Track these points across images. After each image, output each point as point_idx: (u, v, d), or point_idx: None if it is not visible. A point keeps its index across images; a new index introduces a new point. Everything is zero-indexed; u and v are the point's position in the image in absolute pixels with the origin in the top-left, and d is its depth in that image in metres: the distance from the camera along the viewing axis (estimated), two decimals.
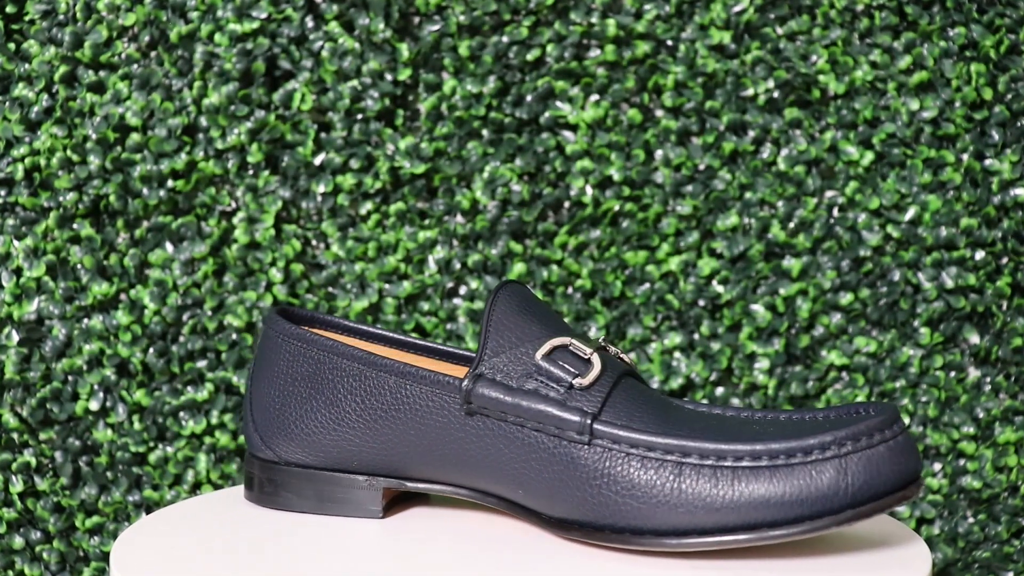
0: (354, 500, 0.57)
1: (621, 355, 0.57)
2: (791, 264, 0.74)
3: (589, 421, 0.53)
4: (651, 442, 0.53)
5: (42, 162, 0.70)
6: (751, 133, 0.74)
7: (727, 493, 0.52)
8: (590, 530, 0.53)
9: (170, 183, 0.72)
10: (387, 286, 0.74)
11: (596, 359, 0.55)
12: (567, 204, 0.74)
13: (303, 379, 0.57)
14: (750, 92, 0.73)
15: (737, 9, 0.73)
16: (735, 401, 0.75)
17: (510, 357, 0.55)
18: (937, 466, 0.74)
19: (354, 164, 0.73)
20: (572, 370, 0.54)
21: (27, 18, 0.71)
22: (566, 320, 0.72)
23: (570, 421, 0.53)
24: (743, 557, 0.54)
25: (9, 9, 0.71)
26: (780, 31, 0.73)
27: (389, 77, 0.73)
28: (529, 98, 0.74)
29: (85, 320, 0.71)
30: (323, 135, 0.73)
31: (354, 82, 0.72)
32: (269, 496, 0.58)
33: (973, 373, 0.74)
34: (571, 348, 0.55)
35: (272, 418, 0.58)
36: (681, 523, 0.52)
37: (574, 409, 0.54)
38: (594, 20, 0.73)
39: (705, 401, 0.58)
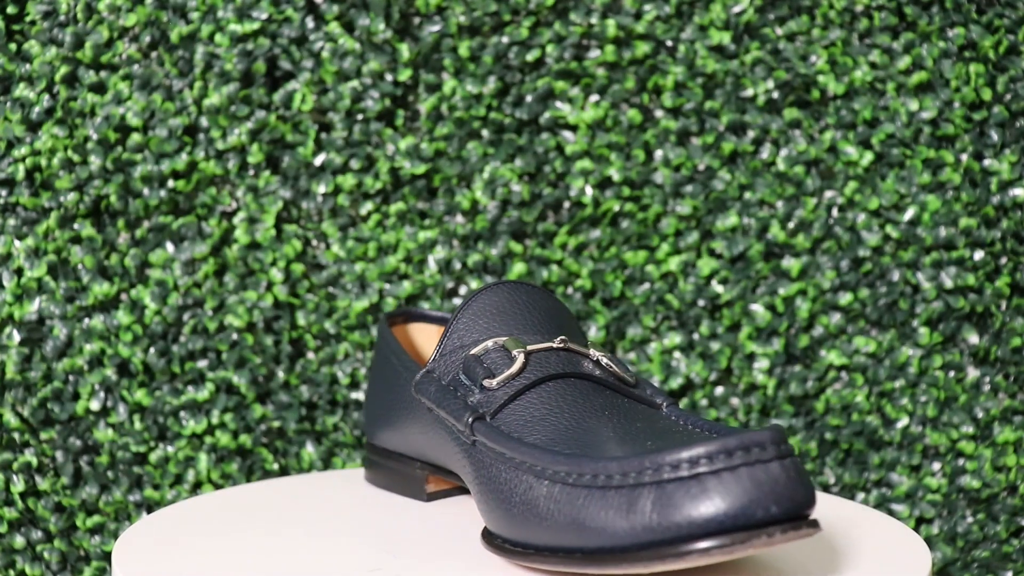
0: (411, 483, 0.61)
1: (600, 357, 0.54)
2: (790, 264, 0.74)
3: (471, 420, 0.52)
4: (515, 448, 0.50)
5: (43, 162, 0.70)
6: (751, 133, 0.74)
7: (560, 513, 0.47)
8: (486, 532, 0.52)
9: (171, 183, 0.72)
10: (387, 286, 0.74)
11: (519, 359, 0.53)
12: (567, 204, 0.75)
13: (386, 378, 0.62)
14: (750, 92, 0.73)
15: (737, 10, 0.73)
16: (735, 401, 0.75)
17: (455, 356, 0.55)
18: (936, 466, 0.74)
19: (354, 164, 0.73)
20: (492, 370, 0.54)
21: (28, 19, 0.71)
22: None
23: (462, 420, 0.52)
24: (739, 557, 0.54)
25: (10, 10, 0.71)
26: (779, 32, 0.73)
27: (389, 77, 0.73)
28: (529, 98, 0.74)
29: (86, 320, 0.72)
30: (323, 135, 0.73)
31: (354, 82, 0.72)
32: (368, 473, 0.64)
33: (972, 373, 0.74)
34: (504, 347, 0.54)
35: (370, 407, 0.63)
36: (532, 538, 0.49)
37: (471, 408, 0.53)
38: (594, 21, 0.73)
39: (667, 406, 0.54)
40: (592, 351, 0.54)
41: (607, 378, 0.54)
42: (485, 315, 0.56)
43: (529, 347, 0.54)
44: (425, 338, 0.67)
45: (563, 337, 0.54)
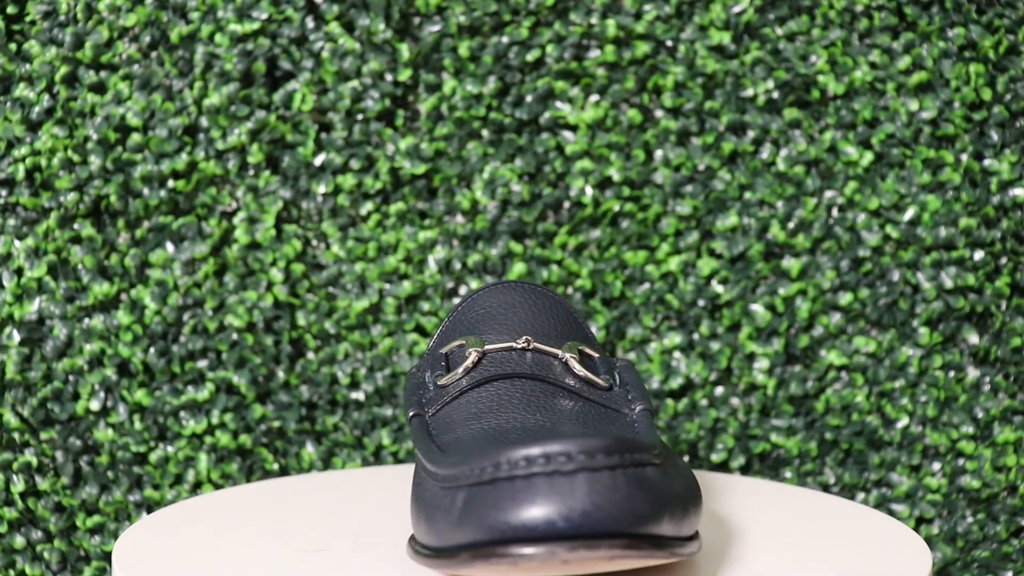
0: None
1: (570, 359, 0.53)
2: (790, 264, 0.74)
3: (411, 416, 0.52)
4: (423, 446, 0.49)
5: (43, 162, 0.70)
6: (751, 133, 0.74)
7: (435, 511, 0.46)
8: None
9: (171, 183, 0.72)
10: (387, 286, 0.74)
11: (470, 358, 0.53)
12: (567, 204, 0.75)
13: None
14: (750, 92, 0.73)
15: (737, 10, 0.73)
16: (735, 401, 0.75)
17: (433, 356, 0.55)
18: (936, 466, 0.74)
19: (354, 164, 0.73)
20: (449, 369, 0.53)
21: (28, 19, 0.71)
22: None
23: (407, 416, 0.52)
24: (738, 555, 0.54)
25: (10, 10, 0.71)
26: (779, 32, 0.73)
27: (389, 78, 0.73)
28: (529, 98, 0.74)
29: (86, 320, 0.72)
30: (323, 135, 0.73)
31: (354, 82, 0.72)
32: None
33: (972, 373, 0.74)
34: (464, 346, 0.54)
35: None
36: (425, 538, 0.47)
37: (416, 405, 0.53)
38: (594, 21, 0.73)
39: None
40: (564, 353, 0.53)
41: (567, 380, 0.53)
42: (473, 316, 0.56)
43: (487, 346, 0.53)
44: None
45: (527, 337, 0.53)
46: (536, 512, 0.41)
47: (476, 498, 0.43)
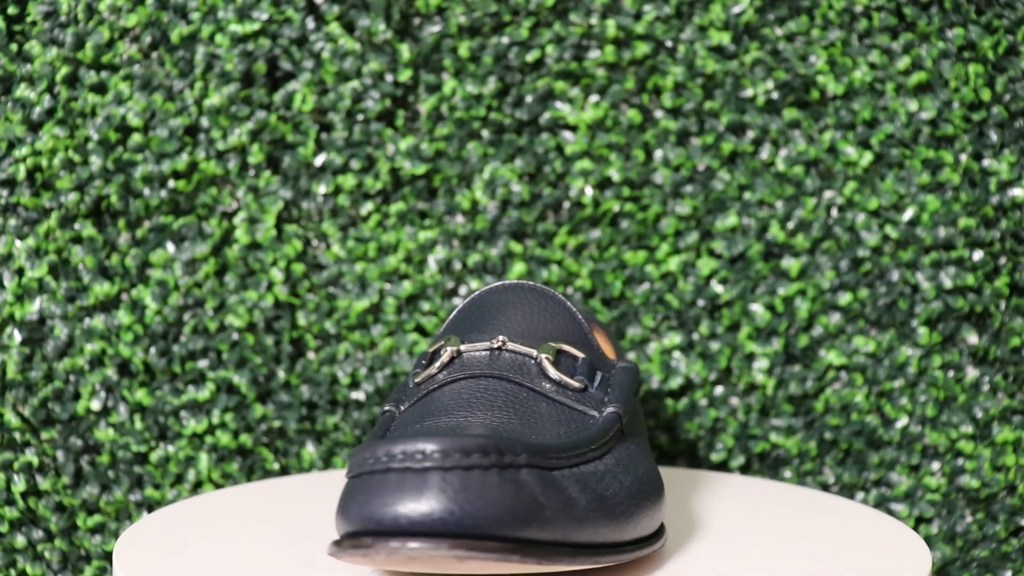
0: None
1: (544, 360, 0.53)
2: (790, 264, 0.74)
3: (383, 411, 0.53)
4: (372, 437, 0.50)
5: (44, 163, 0.71)
6: (750, 134, 0.74)
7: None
8: None
9: (171, 183, 0.72)
10: (388, 286, 0.74)
11: (443, 357, 0.54)
12: (567, 204, 0.75)
13: None
14: (749, 93, 0.73)
15: (736, 10, 0.73)
16: (734, 401, 0.75)
17: (422, 354, 0.56)
18: (936, 465, 0.74)
19: (355, 165, 0.73)
20: (428, 367, 0.54)
21: (29, 19, 0.71)
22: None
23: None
24: (738, 555, 0.54)
25: (11, 10, 0.71)
26: (779, 32, 0.73)
27: (389, 78, 0.73)
28: (529, 99, 0.74)
29: (87, 320, 0.72)
30: (324, 136, 0.73)
31: (355, 83, 0.72)
32: None
33: (971, 373, 0.74)
34: (444, 346, 0.54)
35: None
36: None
37: (396, 401, 0.53)
38: (594, 21, 0.73)
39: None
40: (540, 353, 0.54)
41: (537, 381, 0.53)
42: (467, 316, 0.57)
43: (463, 346, 0.54)
44: None
45: (503, 337, 0.54)
46: (385, 508, 0.41)
47: (348, 490, 0.44)
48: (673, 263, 0.74)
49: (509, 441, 0.44)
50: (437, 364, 0.53)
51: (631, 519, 0.48)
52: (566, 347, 0.54)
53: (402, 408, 0.53)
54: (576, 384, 0.53)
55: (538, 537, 0.43)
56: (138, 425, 0.72)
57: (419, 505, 0.41)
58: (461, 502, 0.41)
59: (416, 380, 0.54)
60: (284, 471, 0.74)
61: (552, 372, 0.53)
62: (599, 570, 0.51)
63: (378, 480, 0.42)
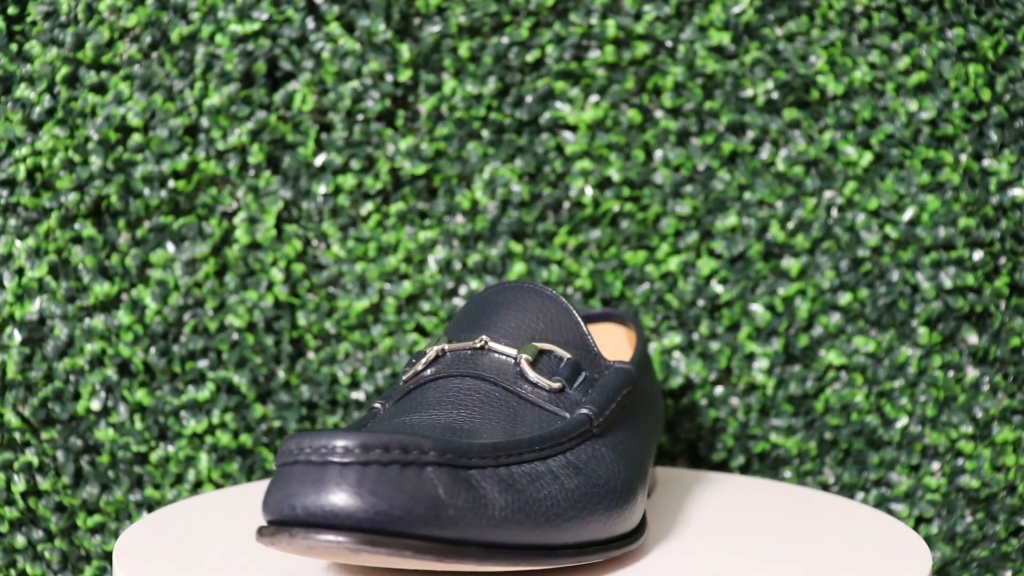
0: None
1: (523, 360, 0.54)
2: (790, 264, 0.74)
3: (372, 406, 0.54)
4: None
5: (44, 163, 0.71)
6: (750, 134, 0.74)
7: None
8: None
9: (171, 183, 0.72)
10: (388, 286, 0.74)
11: (427, 356, 0.55)
12: (567, 204, 0.75)
13: None
14: (749, 93, 0.73)
15: (736, 10, 0.73)
16: (734, 401, 0.75)
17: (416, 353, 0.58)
18: (936, 465, 0.74)
19: (355, 165, 0.73)
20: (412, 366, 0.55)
21: (29, 19, 0.71)
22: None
23: None
24: (738, 555, 0.54)
25: (11, 10, 0.71)
26: (779, 32, 0.73)
27: (389, 78, 0.73)
28: (529, 99, 0.74)
29: (87, 320, 0.72)
30: (324, 136, 0.73)
31: (355, 83, 0.73)
32: None
33: (971, 373, 0.74)
34: (432, 344, 0.56)
35: None
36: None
37: (386, 398, 0.54)
38: (594, 21, 0.73)
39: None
40: (520, 354, 0.54)
41: (513, 381, 0.53)
42: (463, 316, 0.57)
43: (447, 345, 0.55)
44: (614, 338, 0.68)
45: (484, 337, 0.55)
46: (289, 498, 0.43)
47: (271, 479, 0.45)
48: (673, 263, 0.74)
49: (416, 439, 0.44)
50: (423, 362, 0.55)
51: (571, 523, 0.49)
52: (550, 347, 0.55)
53: (387, 405, 0.54)
54: (553, 385, 0.53)
55: (439, 535, 0.44)
56: (138, 425, 0.72)
57: (318, 497, 0.42)
58: (356, 496, 0.42)
59: (404, 378, 0.55)
60: None
61: (528, 373, 0.53)
62: (590, 570, 0.51)
63: (287, 471, 0.43)
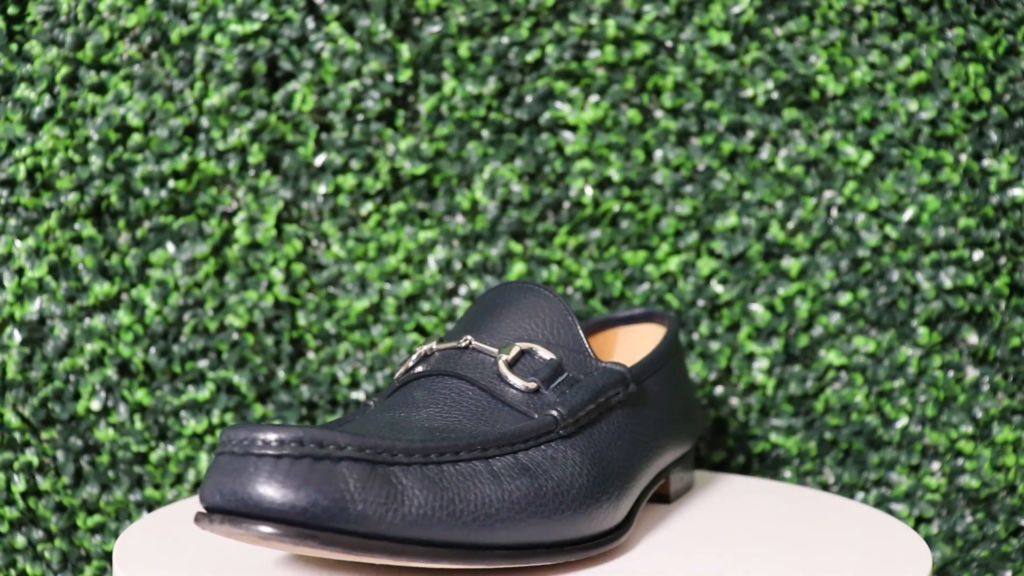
0: None
1: (500, 359, 0.54)
2: (790, 264, 0.74)
3: (367, 404, 0.55)
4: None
5: (44, 163, 0.71)
6: (750, 134, 0.74)
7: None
8: None
9: (171, 183, 0.72)
10: (388, 286, 0.74)
11: (415, 356, 0.56)
12: (567, 204, 0.75)
13: None
14: (749, 93, 0.73)
15: (736, 10, 0.73)
16: (734, 401, 0.75)
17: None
18: (936, 465, 0.74)
19: (355, 165, 0.73)
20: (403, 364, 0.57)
21: (29, 19, 0.71)
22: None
23: None
24: (738, 555, 0.54)
25: (11, 10, 0.71)
26: (779, 32, 0.73)
27: (389, 78, 0.73)
28: (529, 99, 0.74)
29: (87, 320, 0.72)
30: (324, 136, 0.73)
31: (355, 83, 0.73)
32: None
33: (971, 373, 0.74)
34: (424, 344, 0.58)
35: None
36: None
37: (379, 396, 0.57)
38: (594, 21, 0.73)
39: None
40: (500, 353, 0.55)
41: (490, 380, 0.54)
42: (466, 316, 0.59)
43: (436, 344, 0.56)
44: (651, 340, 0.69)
45: (468, 337, 0.56)
46: (210, 485, 0.45)
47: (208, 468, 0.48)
48: (673, 263, 0.74)
49: (333, 434, 0.46)
50: (412, 359, 0.56)
51: (506, 524, 0.49)
52: (532, 347, 0.55)
53: (377, 402, 0.56)
54: (528, 385, 0.54)
55: (345, 527, 0.45)
56: (138, 425, 0.72)
57: (235, 487, 0.45)
58: (266, 487, 0.45)
59: (395, 375, 0.57)
60: None
61: (504, 373, 0.54)
62: (590, 568, 0.51)
63: (216, 461, 0.46)
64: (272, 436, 0.45)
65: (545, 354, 0.55)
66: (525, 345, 0.55)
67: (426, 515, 0.47)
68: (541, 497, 0.50)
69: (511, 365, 0.54)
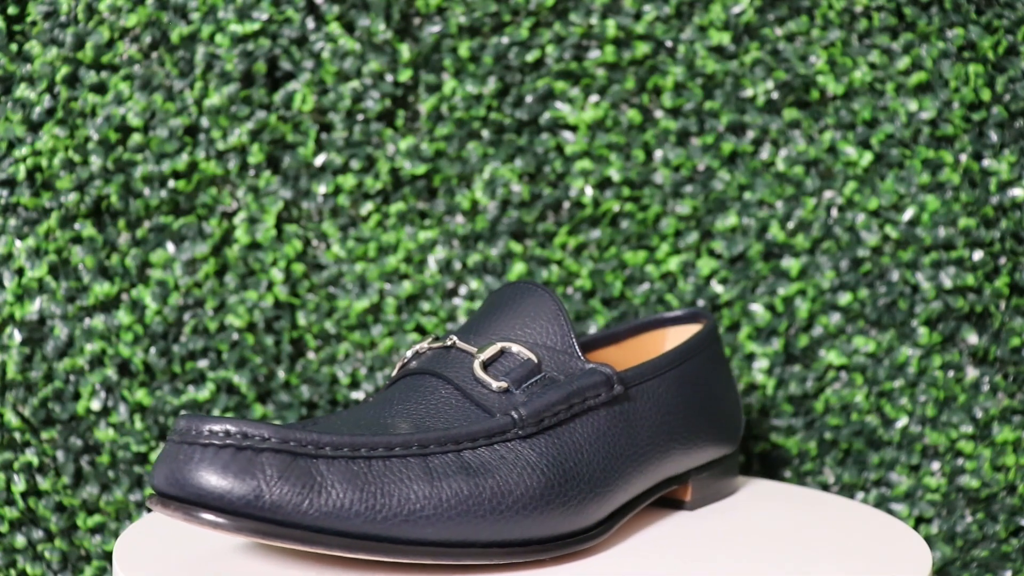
0: None
1: (477, 359, 0.55)
2: (790, 264, 0.74)
3: (365, 399, 0.57)
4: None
5: (44, 163, 0.71)
6: (750, 134, 0.74)
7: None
8: None
9: (171, 183, 0.72)
10: (388, 286, 0.74)
11: (407, 355, 0.58)
12: (567, 204, 0.75)
13: None
14: (749, 93, 0.73)
15: (736, 10, 0.73)
16: None
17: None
18: (936, 465, 0.74)
19: (355, 165, 0.73)
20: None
21: (29, 19, 0.71)
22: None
23: None
24: (738, 555, 0.54)
25: (11, 10, 0.71)
26: (779, 32, 0.73)
27: (389, 78, 0.73)
28: (529, 99, 0.74)
29: (87, 320, 0.72)
30: (324, 136, 0.73)
31: (355, 83, 0.73)
32: None
33: (971, 373, 0.74)
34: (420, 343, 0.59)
35: None
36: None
37: (374, 393, 0.58)
38: (594, 21, 0.73)
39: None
40: (479, 353, 0.55)
41: (464, 379, 0.55)
42: (472, 316, 0.59)
43: (427, 343, 0.57)
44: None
45: (453, 337, 0.57)
46: (155, 469, 0.49)
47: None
48: (673, 263, 0.74)
49: (260, 426, 0.48)
50: (407, 357, 0.58)
51: (431, 521, 0.50)
52: (511, 346, 0.56)
53: (370, 399, 0.57)
54: (499, 385, 0.54)
55: (258, 514, 0.48)
56: (138, 425, 0.72)
57: (170, 472, 0.48)
58: (190, 472, 0.47)
59: (393, 373, 0.58)
60: None
61: (478, 372, 0.55)
62: (586, 565, 0.51)
63: (164, 448, 0.49)
64: (205, 427, 0.48)
65: (525, 354, 0.55)
66: (504, 345, 0.56)
67: (344, 507, 0.48)
68: (477, 496, 0.51)
69: (487, 365, 0.55)
